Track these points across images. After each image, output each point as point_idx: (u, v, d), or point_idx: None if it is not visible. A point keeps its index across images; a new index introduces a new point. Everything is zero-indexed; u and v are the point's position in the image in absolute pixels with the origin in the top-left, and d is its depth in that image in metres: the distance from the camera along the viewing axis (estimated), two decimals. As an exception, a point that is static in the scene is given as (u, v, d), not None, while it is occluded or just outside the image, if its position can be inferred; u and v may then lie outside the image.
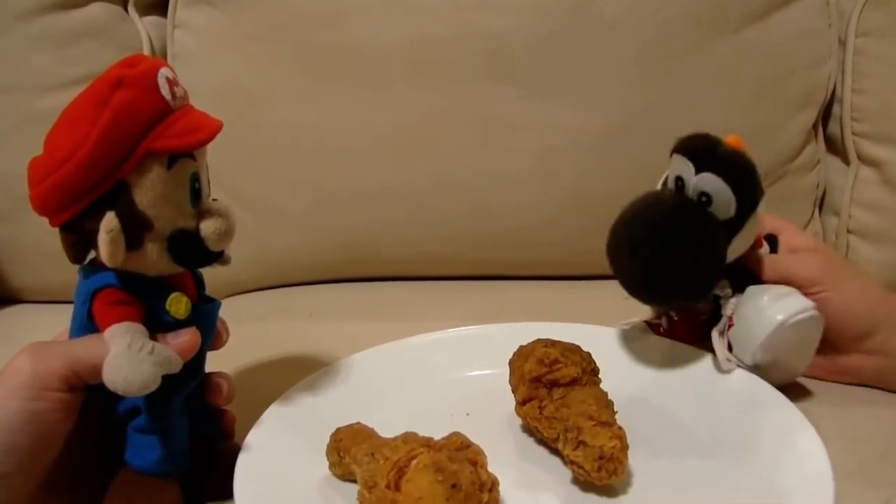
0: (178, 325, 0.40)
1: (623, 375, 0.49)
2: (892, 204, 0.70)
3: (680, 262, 0.46)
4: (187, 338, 0.40)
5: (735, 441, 0.44)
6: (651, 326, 0.56)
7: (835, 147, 0.74)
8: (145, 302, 0.39)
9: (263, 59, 0.71)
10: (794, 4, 0.68)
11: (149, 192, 0.37)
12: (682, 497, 0.41)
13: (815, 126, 0.73)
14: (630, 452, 0.40)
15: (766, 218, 0.54)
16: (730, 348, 0.49)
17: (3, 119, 0.72)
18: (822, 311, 0.48)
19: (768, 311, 0.47)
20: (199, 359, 0.42)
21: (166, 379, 0.38)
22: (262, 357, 0.58)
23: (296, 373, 0.51)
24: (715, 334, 0.50)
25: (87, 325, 0.39)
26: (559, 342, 0.47)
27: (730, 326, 0.49)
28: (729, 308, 0.50)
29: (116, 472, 0.40)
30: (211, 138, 0.38)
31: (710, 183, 0.46)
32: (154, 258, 0.38)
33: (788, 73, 0.69)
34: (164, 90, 0.37)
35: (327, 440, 0.43)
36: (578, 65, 0.67)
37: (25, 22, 0.70)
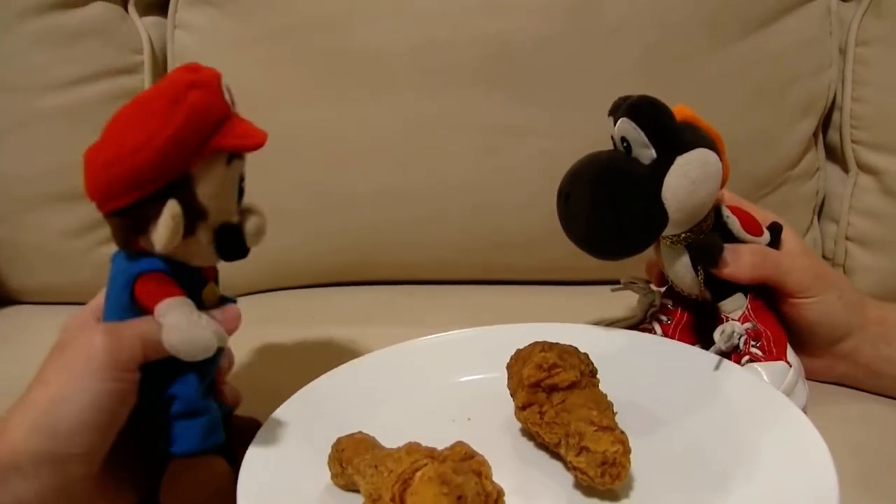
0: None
1: (621, 375, 0.48)
2: (891, 212, 0.70)
3: (602, 200, 0.48)
4: (234, 313, 0.44)
5: (737, 444, 0.44)
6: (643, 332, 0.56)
7: (834, 155, 0.75)
8: (184, 288, 0.41)
9: (265, 61, 0.71)
10: (796, 13, 0.68)
11: (210, 184, 0.40)
12: (685, 500, 0.41)
13: (815, 134, 0.73)
14: (631, 456, 0.40)
15: (758, 210, 0.54)
16: None
17: (3, 119, 0.72)
18: (803, 316, 0.50)
19: None
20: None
21: (201, 363, 0.41)
22: (264, 361, 0.58)
23: (297, 377, 0.51)
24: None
25: (128, 308, 0.41)
26: (556, 345, 0.46)
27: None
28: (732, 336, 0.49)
29: (137, 452, 0.42)
30: (265, 142, 0.42)
31: (623, 126, 0.48)
32: (202, 248, 0.42)
33: (790, 80, 0.70)
34: (227, 96, 0.41)
35: (329, 449, 0.43)
36: (582, 69, 0.67)
37: (25, 21, 0.70)
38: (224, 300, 0.45)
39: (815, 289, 0.50)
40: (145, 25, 0.74)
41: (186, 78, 0.40)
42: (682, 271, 0.52)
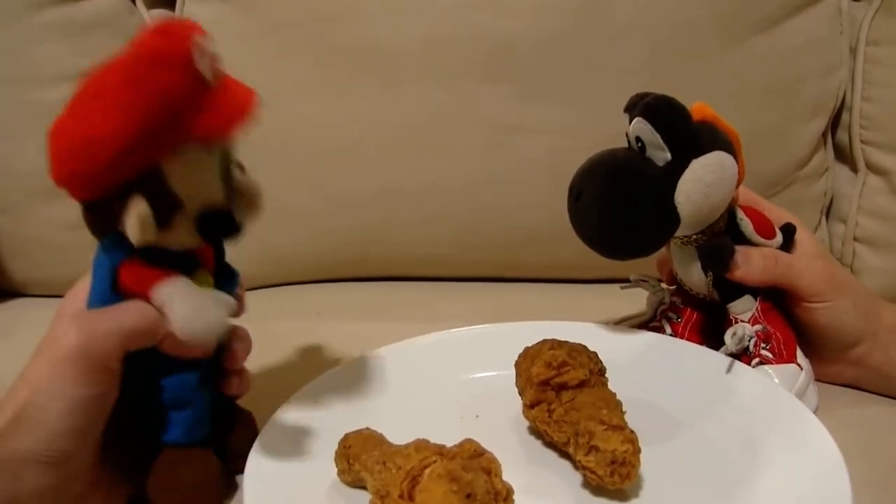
0: None
1: (630, 374, 0.48)
2: (899, 213, 0.70)
3: (613, 201, 0.48)
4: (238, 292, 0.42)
5: (748, 445, 0.43)
6: (651, 331, 0.56)
7: (843, 155, 0.74)
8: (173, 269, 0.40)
9: (272, 55, 0.70)
10: (807, 12, 0.68)
11: (181, 173, 0.37)
12: (695, 501, 0.41)
13: (824, 134, 0.73)
14: (641, 456, 0.40)
15: (773, 207, 0.54)
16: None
17: (9, 111, 0.72)
18: (815, 321, 0.49)
19: None
20: None
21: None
22: (269, 357, 0.57)
23: (303, 373, 0.51)
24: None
25: (111, 295, 0.39)
26: (565, 343, 0.46)
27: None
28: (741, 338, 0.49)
29: (131, 444, 0.41)
30: (248, 117, 0.37)
31: (638, 126, 0.47)
32: (182, 235, 0.39)
33: (799, 80, 0.69)
34: (202, 64, 0.36)
35: (336, 446, 0.43)
36: (589, 66, 0.67)
37: (33, 13, 0.69)
38: (228, 270, 0.44)
39: (829, 294, 0.49)
40: (153, 18, 0.74)
41: (149, 52, 0.35)
42: (692, 272, 0.51)
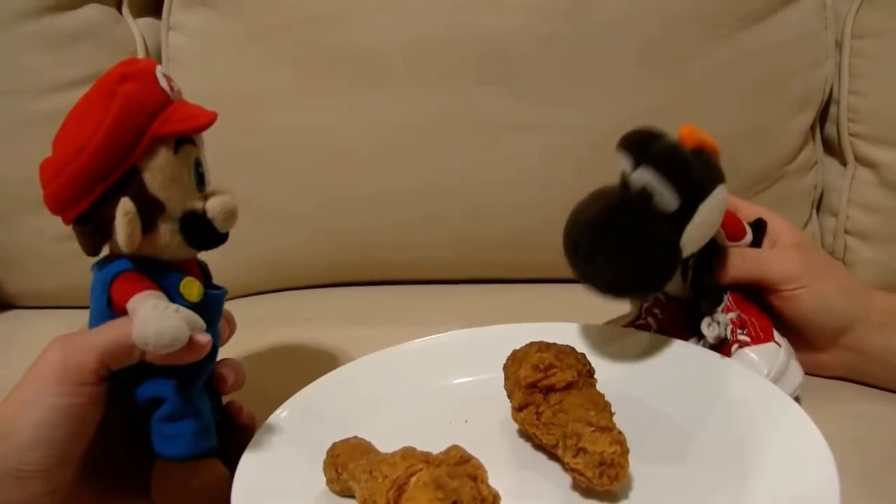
0: (190, 308, 0.41)
1: (618, 375, 0.48)
2: (890, 205, 0.70)
3: (622, 258, 0.47)
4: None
5: (737, 442, 0.43)
6: (639, 328, 0.56)
7: (832, 148, 0.74)
8: (160, 285, 0.41)
9: (261, 60, 0.70)
10: (792, 7, 0.68)
11: (159, 175, 0.40)
12: (684, 500, 0.41)
13: (812, 127, 0.72)
14: (630, 456, 0.40)
15: (750, 206, 0.55)
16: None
17: (-3, 122, 0.71)
18: (798, 308, 0.49)
19: None
20: (214, 343, 0.43)
21: (186, 365, 0.40)
22: (260, 363, 0.58)
23: (293, 380, 0.51)
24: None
25: (106, 313, 0.41)
26: (553, 345, 0.46)
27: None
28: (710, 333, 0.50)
29: (144, 457, 0.42)
30: (211, 123, 0.41)
31: (647, 176, 0.46)
32: (167, 240, 0.41)
33: (787, 74, 0.69)
34: (164, 83, 0.41)
35: (324, 455, 0.43)
36: (578, 65, 0.67)
37: (18, 24, 0.69)
38: (215, 289, 0.44)
39: (804, 278, 0.50)
40: (139, 27, 0.74)
41: (118, 72, 0.40)
42: (672, 281, 0.52)
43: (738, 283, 0.51)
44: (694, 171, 0.46)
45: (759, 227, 0.53)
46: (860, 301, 0.52)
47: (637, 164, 0.46)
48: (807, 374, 0.51)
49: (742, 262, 0.51)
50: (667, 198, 0.46)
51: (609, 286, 0.48)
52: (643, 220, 0.47)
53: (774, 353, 0.49)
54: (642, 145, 0.47)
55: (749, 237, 0.52)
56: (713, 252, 0.51)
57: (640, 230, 0.47)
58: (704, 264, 0.51)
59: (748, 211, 0.54)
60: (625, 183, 0.48)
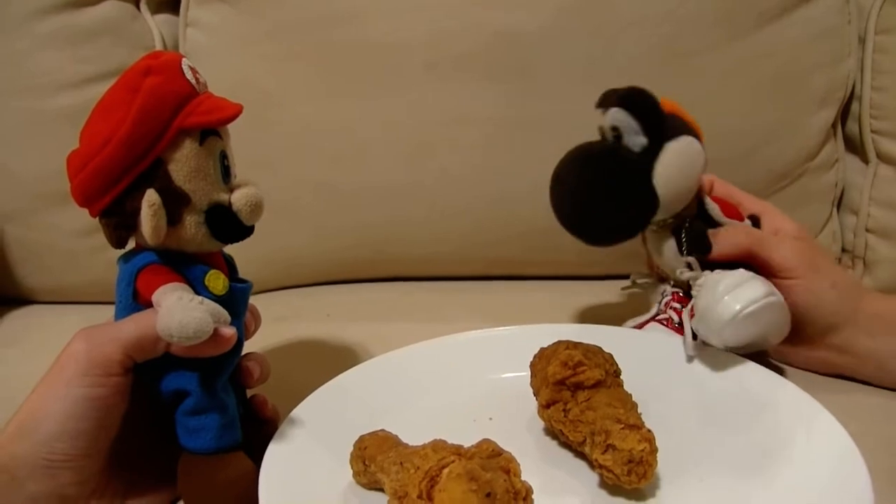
0: (216, 301, 0.41)
1: (644, 377, 0.48)
2: (912, 203, 0.69)
3: (595, 185, 0.50)
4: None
5: (762, 442, 0.43)
6: (660, 323, 0.56)
7: (853, 145, 0.73)
8: (185, 278, 0.41)
9: (277, 57, 0.70)
10: (814, 2, 0.67)
11: (184, 167, 0.40)
12: (713, 500, 0.40)
13: (833, 124, 0.72)
14: (657, 455, 0.40)
15: (755, 202, 0.55)
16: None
17: (15, 119, 0.71)
18: (790, 300, 0.49)
19: (724, 301, 0.47)
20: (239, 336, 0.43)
21: (211, 358, 0.40)
22: (280, 359, 0.57)
23: (314, 375, 0.51)
24: (686, 317, 0.51)
25: (132, 306, 0.41)
26: (581, 344, 0.46)
27: (692, 315, 0.50)
28: (693, 291, 0.50)
29: (171, 449, 0.42)
30: (236, 115, 0.41)
31: (613, 115, 0.49)
32: (193, 232, 0.41)
33: (808, 70, 0.69)
34: (189, 76, 0.40)
35: (350, 448, 0.43)
36: (595, 61, 0.67)
37: (37, 21, 0.69)
38: (238, 284, 0.44)
39: (801, 270, 0.50)
40: (157, 23, 0.74)
41: (143, 65, 0.39)
42: (669, 255, 0.53)
43: (739, 258, 0.51)
44: (657, 109, 0.49)
45: (754, 223, 0.54)
46: (850, 302, 0.51)
47: (605, 109, 0.50)
48: (800, 369, 0.52)
49: (746, 235, 0.51)
50: (632, 131, 0.49)
51: (588, 226, 0.51)
52: (612, 154, 0.50)
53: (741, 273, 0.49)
54: (613, 93, 0.50)
55: (747, 224, 0.54)
56: (710, 225, 0.52)
57: (609, 159, 0.50)
58: (700, 234, 0.51)
59: (751, 205, 0.55)
60: (602, 133, 0.51)
